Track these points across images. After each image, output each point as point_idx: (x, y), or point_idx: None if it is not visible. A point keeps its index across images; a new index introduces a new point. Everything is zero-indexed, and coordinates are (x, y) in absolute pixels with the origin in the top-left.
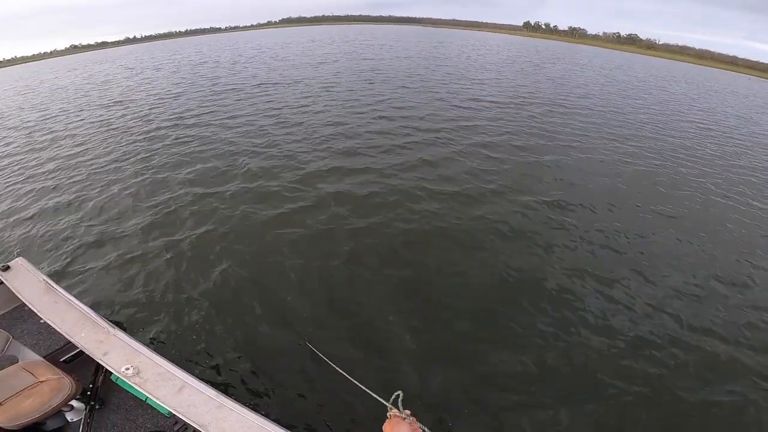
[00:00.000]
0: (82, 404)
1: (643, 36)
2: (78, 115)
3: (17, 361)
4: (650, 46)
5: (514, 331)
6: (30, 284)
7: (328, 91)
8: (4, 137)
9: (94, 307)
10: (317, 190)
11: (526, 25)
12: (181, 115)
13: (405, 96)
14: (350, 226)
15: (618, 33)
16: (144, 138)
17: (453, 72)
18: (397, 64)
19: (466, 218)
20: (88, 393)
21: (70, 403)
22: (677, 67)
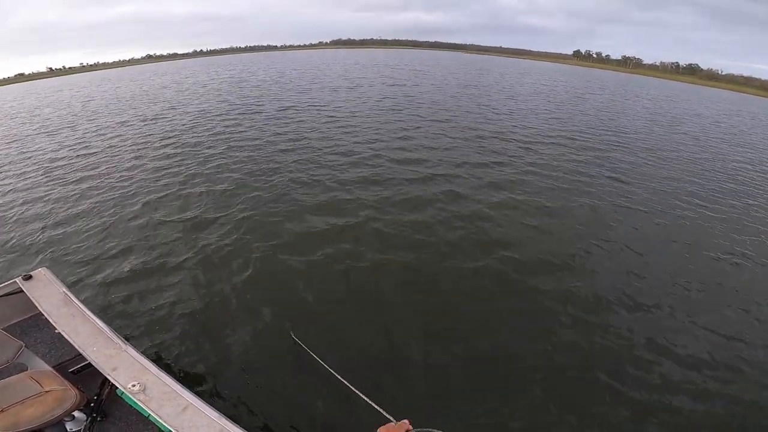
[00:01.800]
0: (84, 415)
1: (704, 66)
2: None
3: (26, 369)
4: (711, 77)
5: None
6: (49, 295)
7: (354, 116)
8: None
9: (110, 320)
10: (330, 215)
11: (576, 53)
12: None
13: (425, 129)
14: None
15: (677, 63)
16: (166, 156)
17: (485, 103)
18: (429, 92)
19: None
20: (92, 404)
21: (72, 413)
22: (740, 98)
